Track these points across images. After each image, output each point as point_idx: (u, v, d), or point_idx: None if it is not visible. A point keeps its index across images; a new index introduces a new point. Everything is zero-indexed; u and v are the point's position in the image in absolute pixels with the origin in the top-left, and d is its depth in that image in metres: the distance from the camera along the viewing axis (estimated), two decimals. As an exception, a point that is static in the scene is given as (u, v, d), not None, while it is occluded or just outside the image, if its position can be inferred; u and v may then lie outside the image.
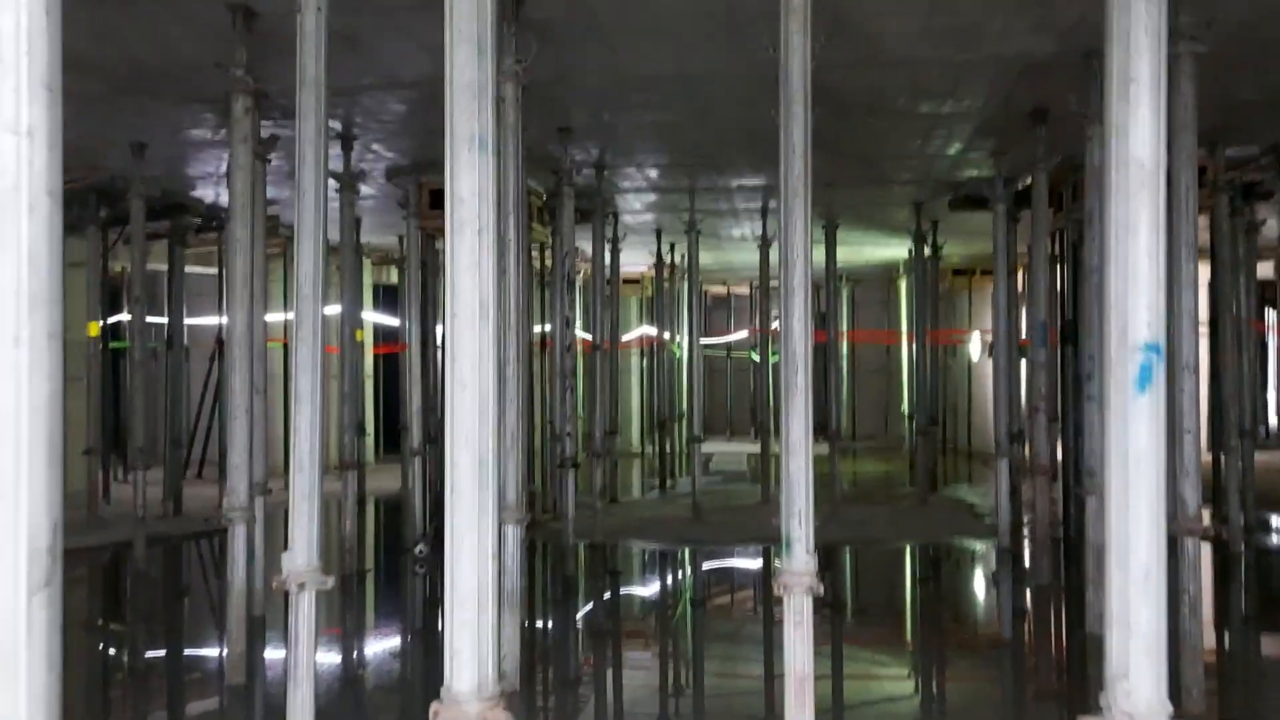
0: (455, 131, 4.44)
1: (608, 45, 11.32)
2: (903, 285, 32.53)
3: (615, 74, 12.32)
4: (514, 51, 9.52)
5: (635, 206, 21.31)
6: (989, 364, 28.15)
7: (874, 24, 10.64)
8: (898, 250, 27.36)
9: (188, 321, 22.11)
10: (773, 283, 23.79)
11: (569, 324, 15.48)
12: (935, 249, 23.35)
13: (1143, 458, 3.79)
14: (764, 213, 21.40)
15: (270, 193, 13.55)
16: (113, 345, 23.00)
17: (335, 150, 14.92)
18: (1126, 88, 3.85)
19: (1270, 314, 32.01)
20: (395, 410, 23.08)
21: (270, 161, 12.58)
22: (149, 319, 19.08)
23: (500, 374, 5.36)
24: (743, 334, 37.83)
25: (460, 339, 4.37)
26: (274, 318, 18.73)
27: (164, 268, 21.48)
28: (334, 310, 16.76)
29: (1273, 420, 31.74)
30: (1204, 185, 13.50)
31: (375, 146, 15.73)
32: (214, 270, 22.32)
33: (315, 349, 6.94)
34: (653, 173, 18.29)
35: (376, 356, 28.96)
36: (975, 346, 30.91)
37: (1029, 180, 14.81)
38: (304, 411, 6.95)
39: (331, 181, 16.25)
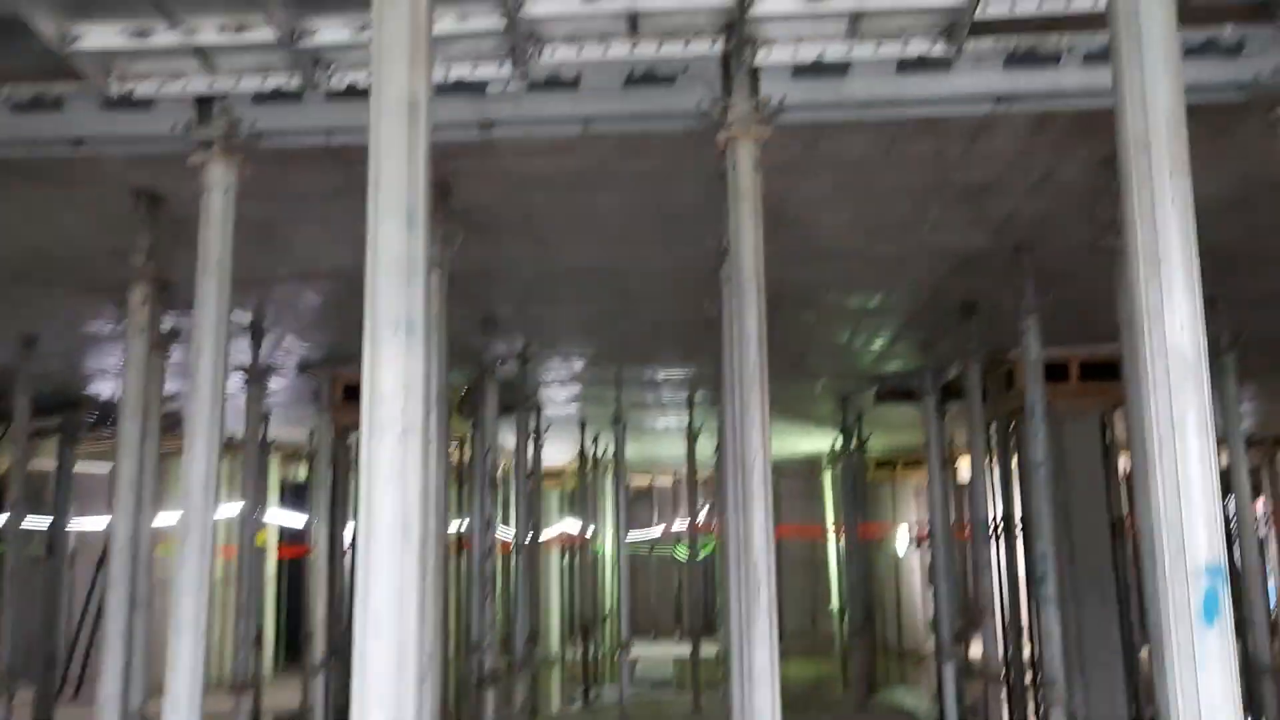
0: (378, 313, 3.76)
1: (537, 237, 10.96)
2: (828, 477, 32.18)
3: (544, 265, 11.94)
4: (439, 240, 9.04)
5: (560, 398, 20.73)
6: (916, 558, 27.51)
7: (808, 215, 10.47)
8: (822, 442, 27.11)
9: (78, 525, 20.50)
10: (701, 474, 23.12)
11: (490, 526, 14.51)
12: (862, 441, 23.11)
13: (1218, 709, 3.10)
14: (690, 404, 21.00)
15: (173, 387, 12.63)
16: (-12, 551, 21.11)
17: (244, 342, 14.16)
18: (1156, 268, 3.40)
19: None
20: (299, 617, 21.44)
21: (170, 356, 11.71)
22: (33, 522, 17.53)
23: (421, 599, 4.49)
24: (672, 527, 36.87)
25: (376, 564, 3.55)
26: (173, 518, 17.35)
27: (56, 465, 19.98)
28: (234, 510, 15.55)
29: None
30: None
31: (288, 339, 14.99)
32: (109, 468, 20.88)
33: (202, 567, 5.98)
34: (579, 364, 17.82)
35: (280, 560, 27.25)
36: (902, 541, 30.40)
37: (956, 372, 14.65)
38: (185, 641, 5.92)
39: (238, 374, 15.52)
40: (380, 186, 3.88)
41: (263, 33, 6.64)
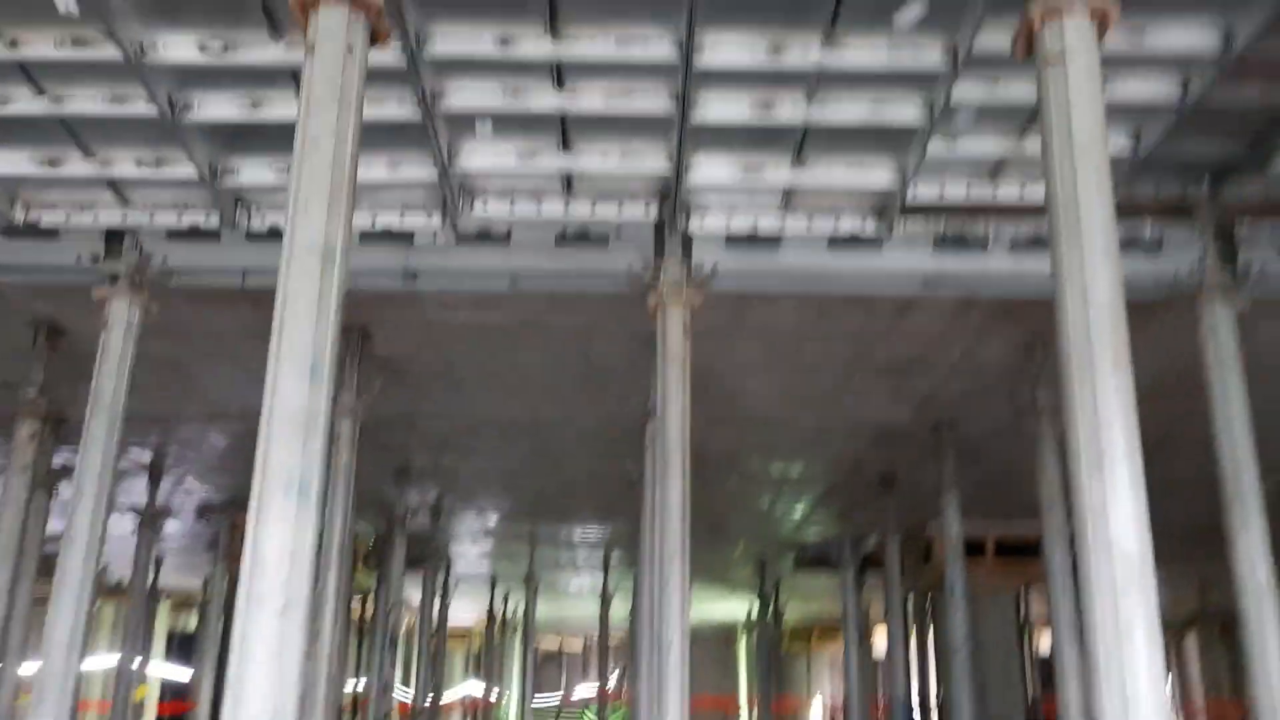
0: (269, 472, 3.42)
1: (458, 388, 10.68)
2: (742, 645, 31.42)
3: (464, 416, 11.61)
4: (355, 387, 8.72)
5: (471, 554, 20.02)
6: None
7: (735, 381, 10.39)
8: (739, 608, 26.55)
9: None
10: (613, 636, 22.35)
11: (388, 688, 13.67)
12: (779, 609, 22.65)
13: None
14: (606, 565, 20.43)
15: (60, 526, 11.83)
16: None
17: (142, 482, 13.44)
18: (1099, 465, 3.25)
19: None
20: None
21: (58, 493, 11.01)
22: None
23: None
24: (581, 692, 35.45)
25: (244, 758, 3.11)
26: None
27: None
28: (112, 661, 14.45)
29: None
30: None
31: (189, 480, 14.27)
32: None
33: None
34: (493, 519, 17.27)
35: (160, 718, 25.38)
36: (816, 715, 29.58)
37: (875, 542, 14.51)
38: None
39: (131, 516, 14.69)
40: (284, 336, 3.61)
41: (183, 168, 6.45)
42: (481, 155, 6.74)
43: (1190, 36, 5.76)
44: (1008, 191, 7.20)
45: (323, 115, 4.02)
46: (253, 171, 6.56)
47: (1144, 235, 7.28)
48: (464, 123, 6.51)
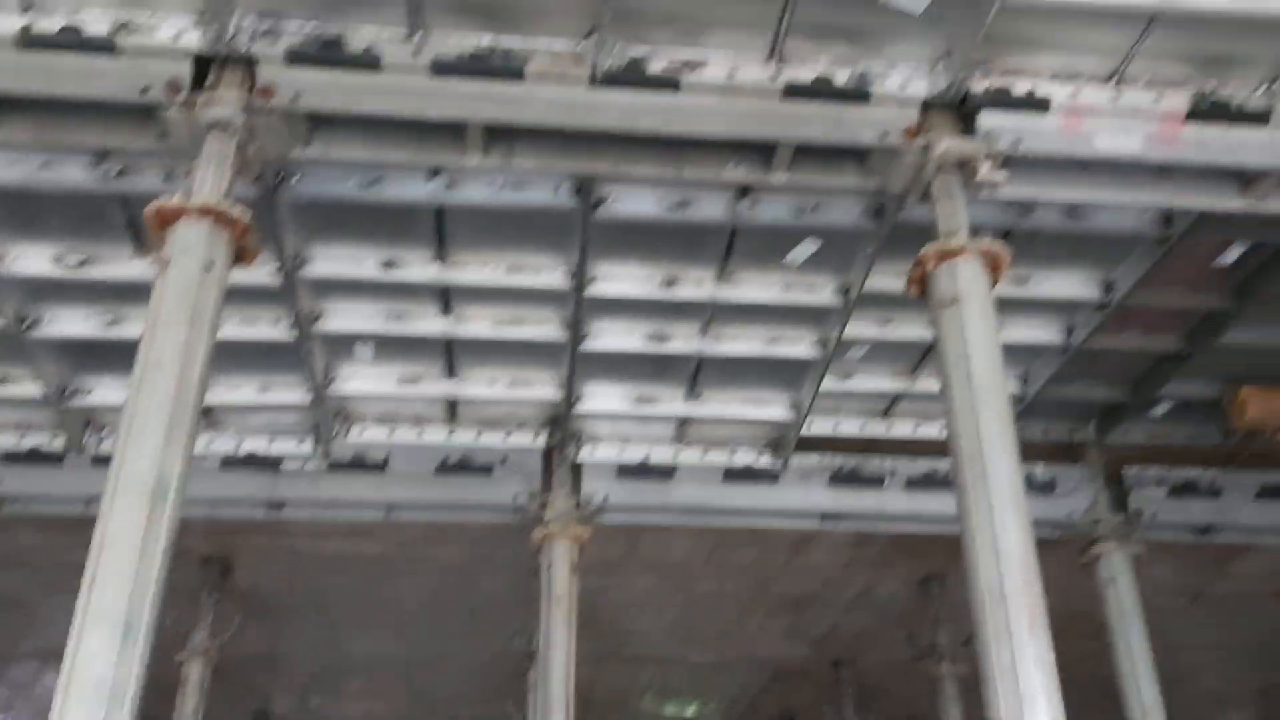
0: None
1: (328, 623, 9.89)
2: None
3: (334, 654, 10.72)
4: (210, 625, 7.96)
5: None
6: None
7: (626, 616, 9.88)
8: None
9: None
10: None
11: None
12: None
13: None
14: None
15: None
16: None
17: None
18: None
19: None
20: None
21: None
22: None
23: None
24: None
25: None
26: None
27: None
28: None
29: None
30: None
31: (16, 724, 12.80)
32: None
33: None
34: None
35: None
36: None
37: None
38: None
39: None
40: (96, 588, 3.09)
41: (27, 387, 5.93)
42: (360, 379, 6.40)
43: (1073, 285, 5.92)
44: (901, 428, 7.14)
45: (170, 335, 3.66)
46: (105, 392, 6.07)
47: (1036, 475, 7.26)
48: (343, 345, 6.20)
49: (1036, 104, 4.66)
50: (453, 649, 10.60)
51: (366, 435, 6.74)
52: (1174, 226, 5.41)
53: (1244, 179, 4.92)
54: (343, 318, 5.89)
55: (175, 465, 3.38)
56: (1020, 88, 4.67)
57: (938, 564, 8.72)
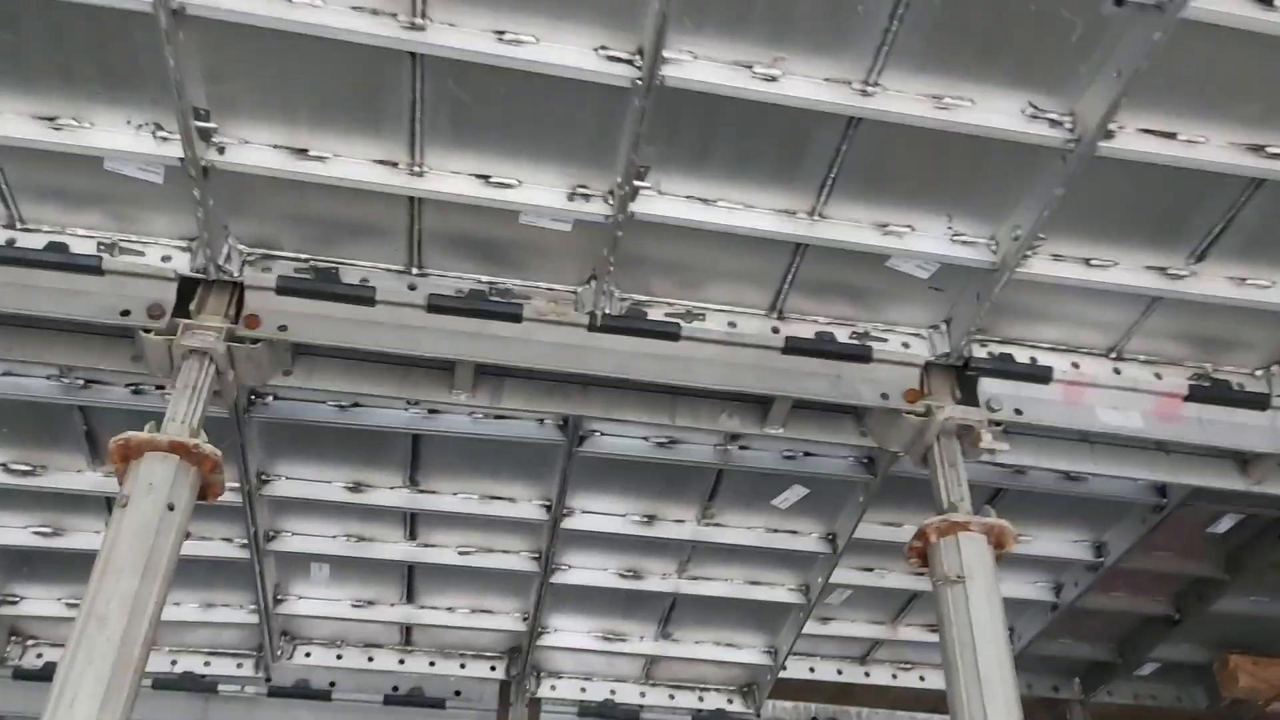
0: None
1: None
2: None
3: None
4: None
5: None
6: None
7: None
8: None
9: None
10: None
11: None
12: None
13: None
14: None
15: None
16: None
17: None
18: None
19: None
20: None
21: None
22: None
23: None
24: None
25: None
26: None
27: None
28: None
29: None
30: None
31: None
32: None
33: None
34: None
35: None
36: None
37: None
38: None
39: None
40: None
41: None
42: (311, 600, 5.99)
43: (1064, 545, 5.78)
44: (880, 674, 6.80)
45: (119, 585, 3.33)
46: (36, 603, 5.61)
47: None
48: (297, 564, 5.81)
49: (1038, 373, 4.58)
50: None
51: (313, 658, 6.27)
52: (1169, 496, 5.31)
53: (1243, 459, 4.84)
54: (301, 539, 5.54)
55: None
56: (1022, 355, 4.61)
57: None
